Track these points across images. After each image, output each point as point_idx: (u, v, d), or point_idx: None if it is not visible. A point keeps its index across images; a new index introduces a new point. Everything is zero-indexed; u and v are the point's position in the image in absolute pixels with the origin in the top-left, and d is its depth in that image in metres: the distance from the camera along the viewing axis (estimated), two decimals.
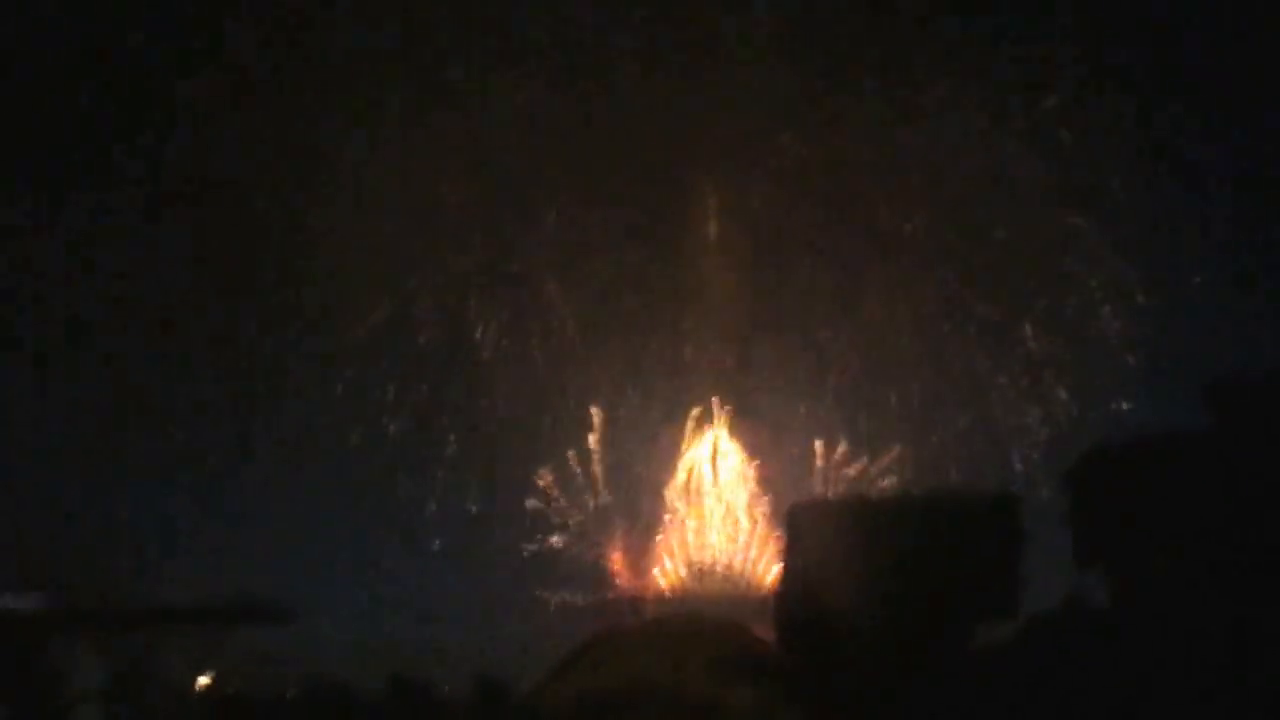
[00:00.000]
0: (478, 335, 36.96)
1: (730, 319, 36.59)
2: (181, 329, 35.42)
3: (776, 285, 36.78)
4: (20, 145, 33.27)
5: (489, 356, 37.06)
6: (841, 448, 36.48)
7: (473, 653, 29.33)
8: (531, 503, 36.85)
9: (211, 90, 33.83)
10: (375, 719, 17.85)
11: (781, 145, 36.07)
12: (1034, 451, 35.46)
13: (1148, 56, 33.96)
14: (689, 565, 37.87)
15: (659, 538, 38.00)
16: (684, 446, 38.24)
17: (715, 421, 38.31)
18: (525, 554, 36.84)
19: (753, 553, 37.65)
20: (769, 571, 36.79)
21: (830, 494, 35.03)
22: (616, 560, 37.70)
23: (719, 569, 37.77)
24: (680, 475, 38.23)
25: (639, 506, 37.98)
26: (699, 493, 38.26)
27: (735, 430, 38.43)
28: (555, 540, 37.05)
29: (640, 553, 37.87)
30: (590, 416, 36.79)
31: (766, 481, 38.28)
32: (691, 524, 38.09)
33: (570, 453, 36.83)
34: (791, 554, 13.95)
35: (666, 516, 38.06)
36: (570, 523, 37.11)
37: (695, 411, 38.06)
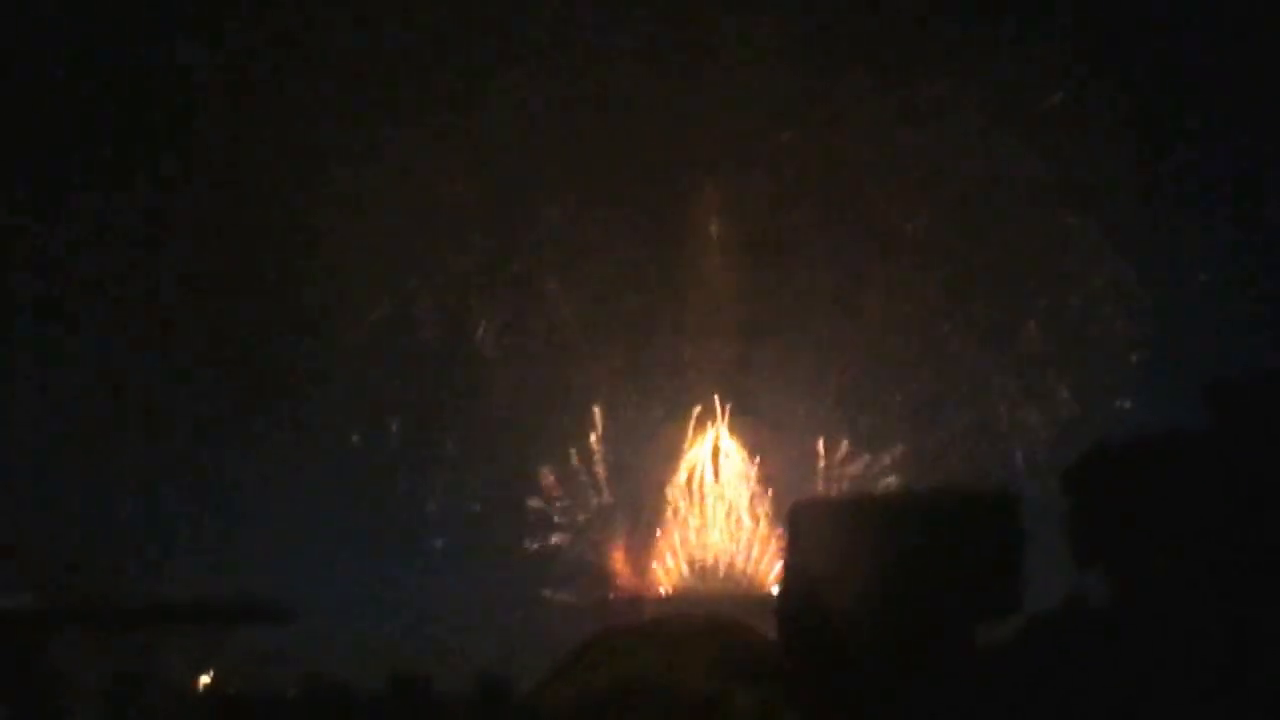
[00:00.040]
0: (478, 335, 37.05)
1: (731, 318, 36.64)
2: (181, 329, 35.44)
3: (777, 284, 36.82)
4: (20, 145, 33.30)
5: (489, 356, 37.15)
6: (843, 446, 36.55)
7: (473, 652, 29.34)
8: (533, 502, 36.96)
9: (211, 90, 33.87)
10: (375, 718, 17.83)
11: (781, 145, 36.13)
12: (1035, 450, 35.53)
13: (1148, 56, 34.00)
14: (690, 564, 37.92)
15: (660, 536, 38.06)
16: (685, 445, 38.30)
17: (716, 420, 38.38)
18: (526, 553, 36.94)
19: (754, 551, 37.69)
20: (770, 570, 36.83)
21: (831, 493, 35.10)
22: (618, 559, 37.75)
23: (720, 568, 37.82)
24: (681, 474, 38.29)
25: (640, 505, 38.09)
26: (700, 491, 38.30)
27: (736, 429, 38.50)
28: (556, 539, 37.14)
29: (641, 551, 37.95)
30: (591, 415, 36.88)
31: (767, 480, 38.35)
32: (693, 522, 38.14)
33: (572, 452, 36.92)
34: (792, 553, 13.90)
35: (668, 515, 38.15)
36: (571, 521, 37.18)
37: (696, 410, 38.17)
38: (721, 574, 37.73)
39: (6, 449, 33.47)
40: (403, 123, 35.03)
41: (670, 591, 37.63)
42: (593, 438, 36.83)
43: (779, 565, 34.31)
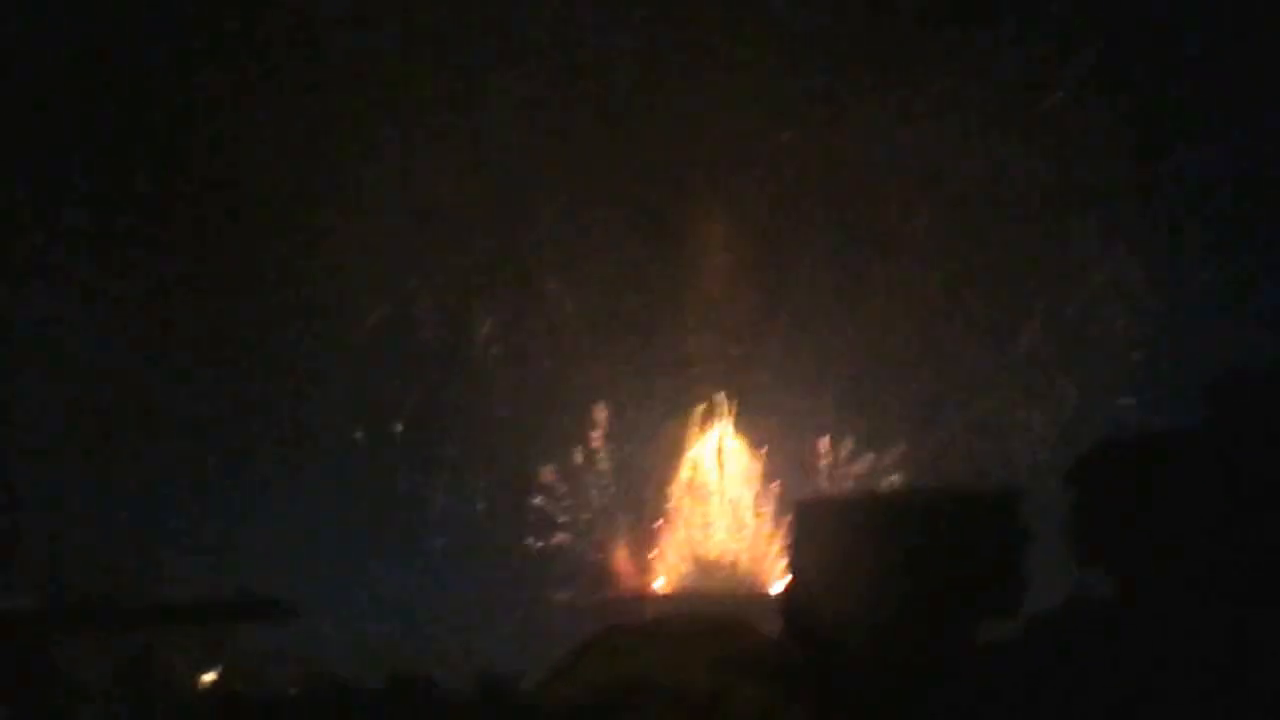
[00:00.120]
0: (479, 334, 37.07)
1: (732, 316, 36.69)
2: (181, 328, 35.46)
3: (778, 282, 36.89)
4: (20, 145, 33.31)
5: (490, 355, 37.17)
6: (847, 444, 36.58)
7: (474, 651, 29.37)
8: (535, 500, 36.97)
9: (210, 89, 33.87)
10: (376, 717, 17.84)
11: (781, 145, 36.17)
12: (1036, 450, 35.57)
13: (1148, 56, 34.03)
14: (693, 562, 37.92)
15: (663, 535, 38.08)
16: (688, 443, 38.32)
17: (719, 417, 38.38)
18: (528, 552, 36.96)
19: (757, 550, 37.72)
20: (773, 568, 36.86)
21: (835, 491, 35.12)
22: (620, 558, 37.77)
23: (723, 566, 37.82)
24: (684, 472, 38.30)
25: (643, 504, 38.10)
26: (703, 489, 38.32)
27: (740, 426, 38.52)
28: (559, 538, 37.14)
29: (644, 550, 37.96)
30: (593, 414, 36.89)
31: (770, 478, 38.39)
32: (696, 520, 38.14)
33: (574, 450, 36.94)
34: (796, 551, 13.90)
35: (671, 513, 38.17)
36: (574, 520, 37.19)
37: (699, 408, 38.19)
38: (724, 572, 37.76)
39: (6, 449, 33.46)
40: (403, 122, 35.08)
41: (673, 590, 37.65)
42: (595, 436, 36.91)
43: (782, 564, 34.35)
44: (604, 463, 37.01)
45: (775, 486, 38.07)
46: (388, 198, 35.12)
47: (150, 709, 21.09)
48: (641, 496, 38.05)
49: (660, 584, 37.88)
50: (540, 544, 37.02)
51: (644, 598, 37.18)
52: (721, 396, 38.07)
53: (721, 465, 38.44)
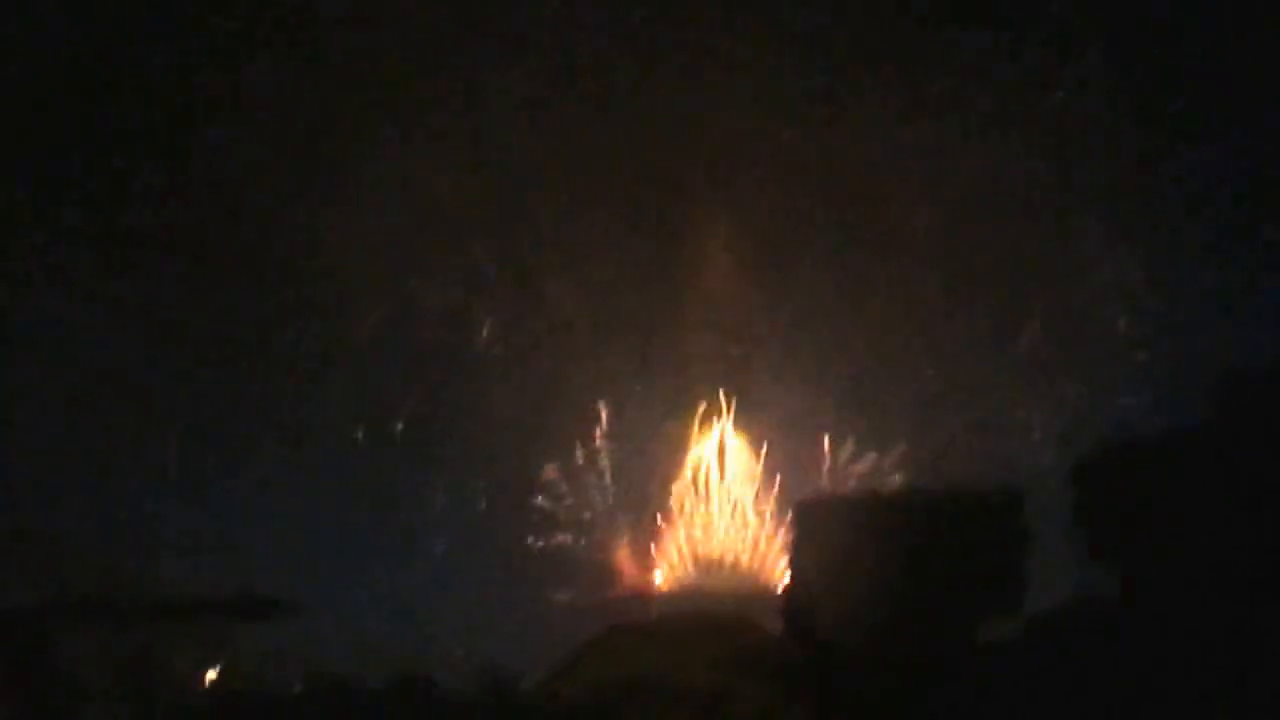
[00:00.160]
0: (480, 334, 37.07)
1: (733, 315, 36.69)
2: (181, 328, 35.45)
3: (778, 282, 36.90)
4: (20, 145, 33.29)
5: (492, 354, 37.16)
6: (849, 444, 36.58)
7: (474, 651, 29.37)
8: (537, 500, 36.96)
9: (210, 89, 33.85)
10: (378, 716, 17.85)
11: (781, 145, 36.16)
12: (1037, 450, 35.55)
13: (1148, 56, 34.01)
14: (695, 561, 37.93)
15: (665, 534, 38.09)
16: (690, 442, 38.32)
17: (722, 416, 38.38)
18: (530, 551, 36.96)
19: (760, 548, 37.72)
20: (776, 567, 36.86)
21: (837, 490, 35.12)
22: (622, 557, 37.77)
23: (725, 565, 37.83)
24: (686, 471, 38.31)
25: (645, 503, 38.09)
26: (706, 488, 38.33)
27: (740, 426, 38.50)
28: (560, 537, 37.14)
29: (646, 549, 37.96)
30: (595, 413, 36.89)
31: (771, 477, 38.39)
32: (698, 520, 38.15)
33: (576, 449, 36.94)
34: (798, 550, 13.94)
35: (673, 512, 38.18)
36: (576, 520, 37.19)
37: (701, 407, 38.19)
38: (726, 571, 37.76)
39: (6, 448, 33.46)
40: (403, 123, 35.07)
41: (674, 589, 37.65)
42: (597, 435, 36.91)
43: (785, 562, 34.33)
44: (604, 462, 37.07)
45: (777, 485, 38.14)
46: (388, 198, 35.12)
47: (150, 709, 21.09)
48: (642, 496, 38.10)
49: (661, 583, 37.90)
50: (541, 543, 37.06)
51: (645, 597, 37.18)
52: (721, 396, 38.13)
53: (722, 465, 38.46)
